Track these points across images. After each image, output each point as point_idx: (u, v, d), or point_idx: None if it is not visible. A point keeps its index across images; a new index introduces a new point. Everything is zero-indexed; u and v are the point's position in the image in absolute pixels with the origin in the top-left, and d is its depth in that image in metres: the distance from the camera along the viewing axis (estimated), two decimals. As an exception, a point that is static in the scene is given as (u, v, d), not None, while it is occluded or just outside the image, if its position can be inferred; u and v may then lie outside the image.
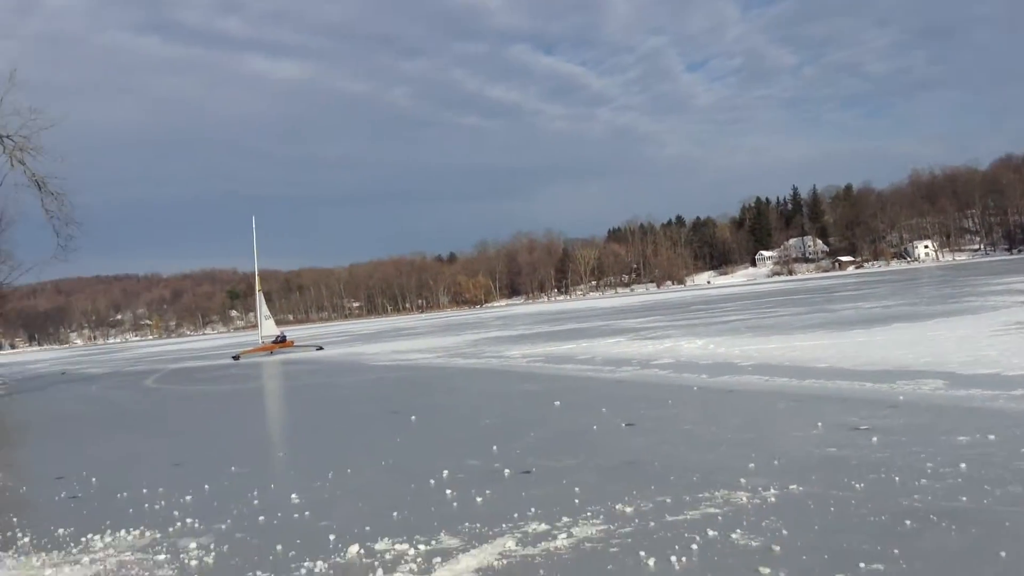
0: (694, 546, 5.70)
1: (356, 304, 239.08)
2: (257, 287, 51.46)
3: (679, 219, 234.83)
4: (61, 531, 7.88)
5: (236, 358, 43.79)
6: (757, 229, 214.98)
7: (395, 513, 7.38)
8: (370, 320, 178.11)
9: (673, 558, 5.48)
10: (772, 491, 6.92)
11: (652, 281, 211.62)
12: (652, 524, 6.35)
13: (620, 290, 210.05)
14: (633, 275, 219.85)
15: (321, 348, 46.12)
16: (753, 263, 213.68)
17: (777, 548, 5.50)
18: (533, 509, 7.05)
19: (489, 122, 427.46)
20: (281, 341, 46.50)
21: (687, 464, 8.31)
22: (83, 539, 7.49)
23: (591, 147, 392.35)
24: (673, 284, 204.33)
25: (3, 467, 13.13)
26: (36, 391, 35.95)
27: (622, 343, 26.23)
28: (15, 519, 8.68)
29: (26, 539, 7.70)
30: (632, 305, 79.43)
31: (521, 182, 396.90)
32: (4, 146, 28.67)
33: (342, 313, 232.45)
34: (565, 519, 6.66)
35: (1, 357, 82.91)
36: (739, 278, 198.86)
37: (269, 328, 47.91)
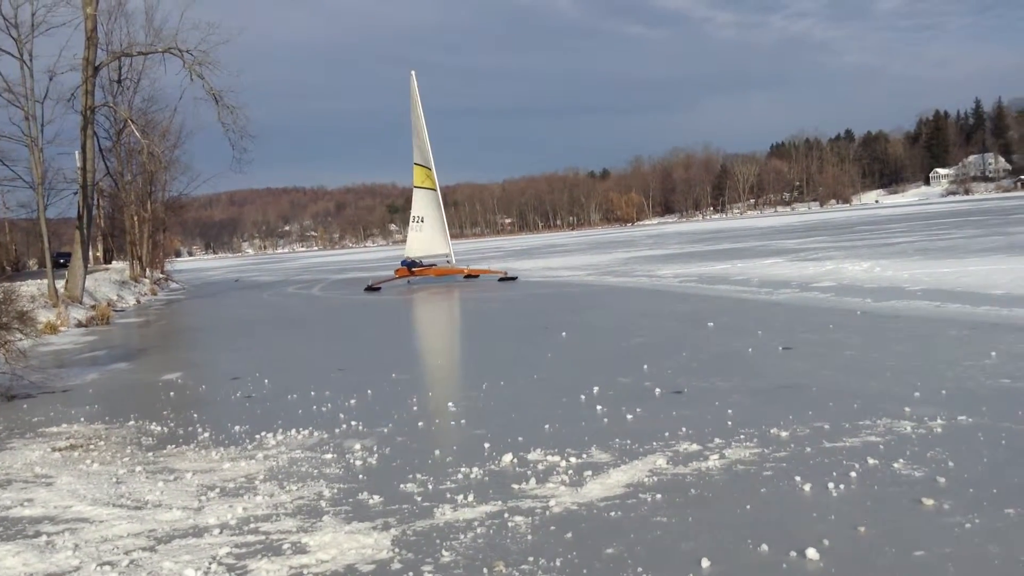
0: (853, 474, 5.54)
1: (508, 220, 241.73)
2: (434, 184, 34.91)
3: (848, 133, 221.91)
4: (237, 428, 8.51)
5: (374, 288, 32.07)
6: (934, 145, 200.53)
7: (547, 426, 7.54)
8: (522, 236, 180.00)
9: (831, 485, 5.35)
10: (939, 421, 6.61)
11: (815, 200, 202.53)
12: (809, 450, 6.21)
13: (780, 209, 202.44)
14: (795, 193, 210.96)
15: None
16: (927, 181, 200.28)
17: (942, 480, 5.27)
18: (684, 429, 7.04)
19: (654, 31, 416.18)
20: (411, 267, 33.70)
21: (848, 390, 8.04)
22: (257, 436, 8.07)
23: (759, 57, 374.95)
24: (838, 203, 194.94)
25: (185, 367, 14.26)
26: (212, 296, 38.66)
27: (780, 264, 25.40)
28: (195, 415, 9.45)
29: (206, 434, 8.37)
30: (793, 224, 76.52)
31: (681, 95, 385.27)
32: (184, 60, 30.20)
33: (494, 229, 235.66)
34: (717, 440, 6.61)
35: (181, 264, 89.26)
36: (910, 197, 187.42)
37: (422, 244, 34.73)
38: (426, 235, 34.32)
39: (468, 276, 33.76)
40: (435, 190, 34.76)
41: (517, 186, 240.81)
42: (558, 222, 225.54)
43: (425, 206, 34.65)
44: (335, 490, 6.14)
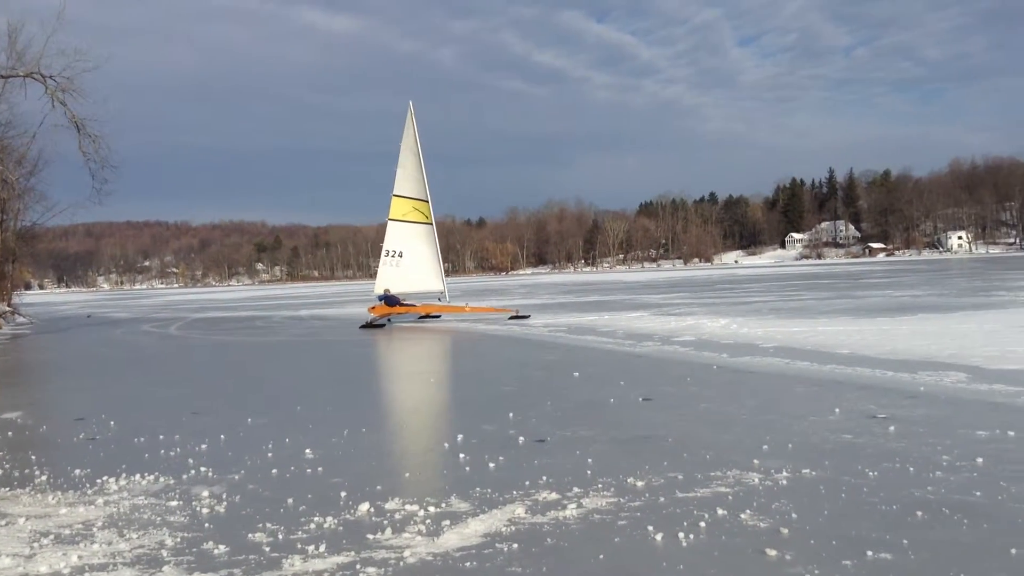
0: (702, 524, 5.69)
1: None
2: (425, 218, 32.50)
3: (712, 196, 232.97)
4: (78, 472, 8.01)
5: (374, 325, 29.65)
6: (790, 211, 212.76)
7: (407, 474, 7.44)
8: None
9: (681, 534, 5.48)
10: (784, 474, 6.89)
11: (680, 258, 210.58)
12: (662, 499, 6.34)
13: (647, 265, 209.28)
14: (661, 250, 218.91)
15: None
16: (783, 245, 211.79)
17: (785, 531, 5.48)
18: (545, 478, 7.07)
19: (533, 88, 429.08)
20: (391, 304, 30.62)
21: (701, 442, 8.28)
22: (98, 481, 7.60)
23: (632, 119, 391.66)
24: (700, 262, 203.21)
25: (25, 406, 13.36)
26: (62, 332, 36.54)
27: (645, 318, 26.14)
28: (33, 457, 8.84)
29: (43, 477, 7.83)
30: (658, 280, 79.10)
31: (557, 150, 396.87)
32: (46, 86, 28.93)
33: (368, 272, 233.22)
34: (576, 489, 6.67)
35: (30, 297, 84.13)
36: (767, 259, 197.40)
37: (400, 280, 31.57)
38: (405, 271, 31.71)
39: (427, 316, 31.47)
40: (428, 224, 32.28)
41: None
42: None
43: (408, 240, 32.02)
44: (178, 539, 5.83)
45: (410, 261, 31.91)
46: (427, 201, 32.25)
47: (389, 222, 32.43)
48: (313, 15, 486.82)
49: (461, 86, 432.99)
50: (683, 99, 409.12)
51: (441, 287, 32.08)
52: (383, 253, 32.24)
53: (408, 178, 32.20)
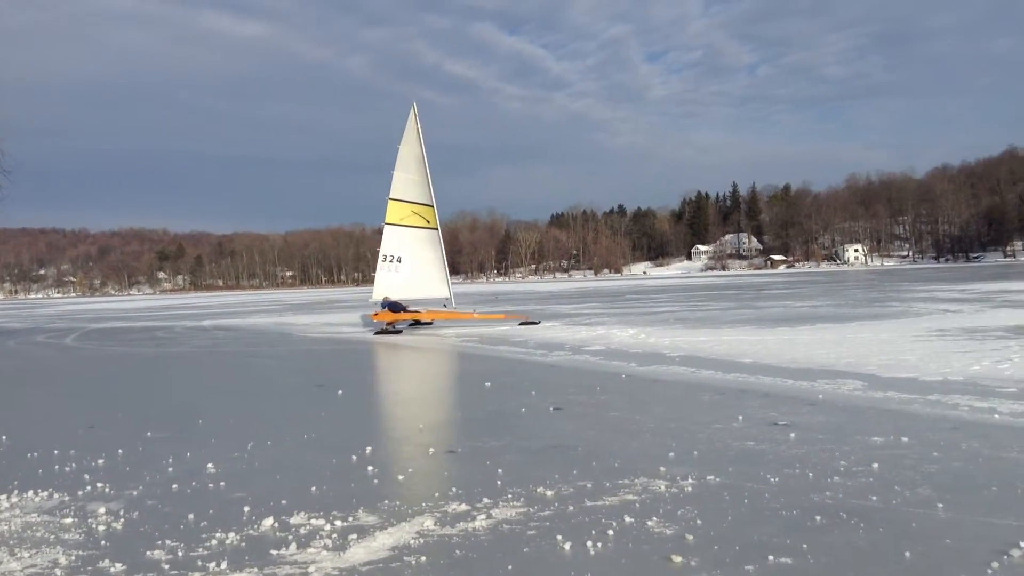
0: (610, 532, 5.74)
1: (289, 273, 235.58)
2: (428, 222, 31.50)
3: (621, 208, 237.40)
4: (-36, 489, 7.60)
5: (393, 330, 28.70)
6: (695, 223, 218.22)
7: (314, 488, 7.28)
8: (303, 290, 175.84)
9: (589, 543, 5.51)
10: (690, 481, 7.01)
11: (590, 268, 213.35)
12: (571, 508, 6.37)
13: (558, 275, 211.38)
14: (572, 261, 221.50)
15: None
16: (689, 256, 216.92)
17: (690, 537, 5.57)
18: (455, 489, 7.02)
19: (444, 98, 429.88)
20: (395, 310, 29.79)
21: (610, 450, 8.36)
22: (-13, 499, 7.23)
23: (543, 131, 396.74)
24: (610, 272, 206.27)
25: (-93, 420, 12.59)
26: (-51, 343, 34.67)
27: (556, 328, 26.33)
28: (-85, 475, 8.34)
29: (-74, 496, 7.40)
30: (569, 291, 79.89)
31: (469, 161, 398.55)
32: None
33: (274, 281, 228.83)
34: (486, 500, 6.65)
35: (-86, 306, 79.75)
36: (674, 270, 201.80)
37: (399, 286, 30.72)
38: (405, 276, 30.65)
39: (417, 323, 30.19)
40: (432, 228, 31.24)
41: (300, 238, 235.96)
42: (343, 277, 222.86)
43: (407, 245, 30.93)
44: (73, 557, 5.58)
45: (411, 267, 31.01)
46: (431, 206, 31.25)
47: (385, 226, 31.33)
48: (219, 20, 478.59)
49: (374, 94, 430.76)
50: (593, 112, 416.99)
51: (447, 293, 31.34)
52: (380, 258, 31.17)
53: (409, 181, 31.03)
